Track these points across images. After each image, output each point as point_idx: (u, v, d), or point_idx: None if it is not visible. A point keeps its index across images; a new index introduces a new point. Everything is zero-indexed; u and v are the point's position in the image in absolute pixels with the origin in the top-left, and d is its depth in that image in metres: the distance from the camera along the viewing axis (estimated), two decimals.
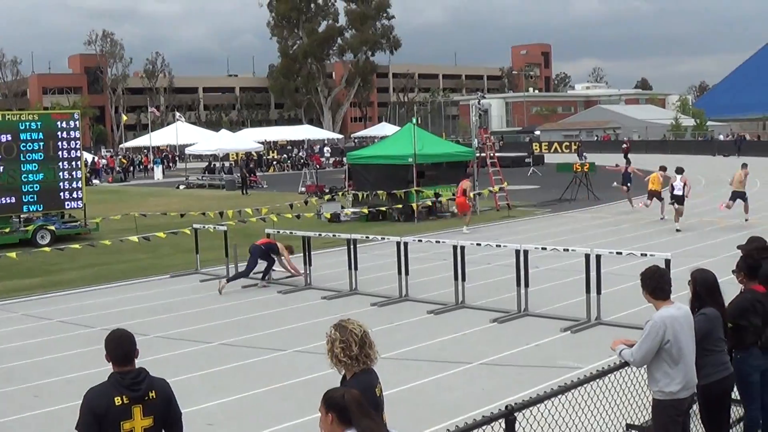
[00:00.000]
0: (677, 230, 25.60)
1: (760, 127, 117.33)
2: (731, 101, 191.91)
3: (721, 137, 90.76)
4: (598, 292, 14.15)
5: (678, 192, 26.23)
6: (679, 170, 26.97)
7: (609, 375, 6.66)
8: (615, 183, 34.56)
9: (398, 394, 10.50)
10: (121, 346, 5.65)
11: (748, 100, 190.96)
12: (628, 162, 41.03)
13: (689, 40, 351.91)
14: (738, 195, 27.20)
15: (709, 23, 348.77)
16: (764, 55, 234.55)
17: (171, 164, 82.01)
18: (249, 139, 74.20)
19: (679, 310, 6.96)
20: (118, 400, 5.46)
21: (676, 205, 26.19)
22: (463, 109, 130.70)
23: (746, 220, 26.92)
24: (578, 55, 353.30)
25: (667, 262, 12.82)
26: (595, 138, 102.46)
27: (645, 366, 6.95)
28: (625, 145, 71.34)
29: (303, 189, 45.89)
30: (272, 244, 19.18)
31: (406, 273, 16.94)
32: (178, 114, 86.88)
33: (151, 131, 77.96)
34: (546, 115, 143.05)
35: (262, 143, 78.41)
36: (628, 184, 32.80)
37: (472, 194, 30.66)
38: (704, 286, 7.48)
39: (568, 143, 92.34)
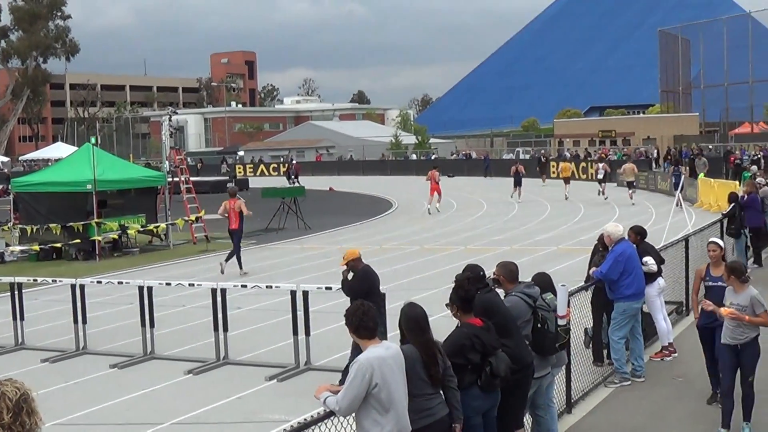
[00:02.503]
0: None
1: (487, 144, 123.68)
2: (456, 116, 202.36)
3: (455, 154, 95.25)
4: (307, 333, 14.42)
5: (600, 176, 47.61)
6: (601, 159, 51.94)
7: (312, 427, 6.75)
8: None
9: None
10: None
11: (474, 114, 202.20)
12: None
13: (410, 49, 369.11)
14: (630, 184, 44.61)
15: (431, 30, 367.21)
16: (489, 66, 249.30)
17: None
18: None
19: (387, 350, 7.19)
20: None
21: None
22: (155, 127, 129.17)
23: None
24: (287, 65, 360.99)
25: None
26: (287, 159, 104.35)
27: (353, 414, 7.11)
28: (294, 162, 74.34)
29: None
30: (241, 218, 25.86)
31: (84, 321, 16.51)
32: None
33: None
34: (251, 132, 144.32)
35: None
36: None
37: (163, 225, 30.45)
38: (406, 322, 7.76)
39: (276, 165, 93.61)
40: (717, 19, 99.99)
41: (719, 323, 11.03)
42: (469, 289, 8.63)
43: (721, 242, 12.85)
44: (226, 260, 25.36)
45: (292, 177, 54.36)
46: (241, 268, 25.26)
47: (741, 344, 10.58)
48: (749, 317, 10.50)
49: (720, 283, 11.55)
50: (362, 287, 13.32)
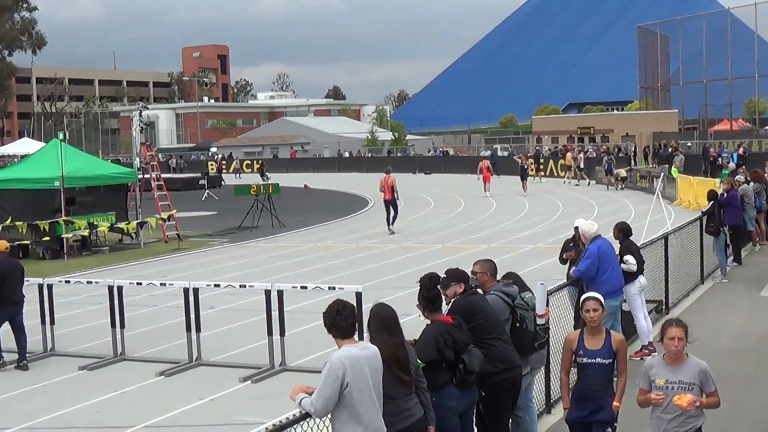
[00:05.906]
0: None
1: (465, 141, 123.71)
2: (433, 112, 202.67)
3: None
4: (282, 333, 14.35)
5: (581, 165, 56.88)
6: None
7: (287, 429, 6.71)
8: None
9: None
10: None
11: (451, 111, 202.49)
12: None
13: (386, 43, 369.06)
14: None
15: (406, 24, 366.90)
16: (466, 62, 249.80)
17: None
18: None
19: (364, 350, 7.20)
20: None
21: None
22: (125, 122, 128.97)
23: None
24: (261, 59, 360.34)
25: (359, 295, 13.18)
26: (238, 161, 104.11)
27: (329, 416, 7.09)
28: (219, 157, 76.93)
29: None
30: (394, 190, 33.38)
31: (52, 322, 16.43)
32: None
33: None
34: (224, 128, 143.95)
35: None
36: None
37: (134, 223, 30.36)
38: (374, 322, 7.76)
39: (249, 161, 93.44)
40: (696, 15, 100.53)
41: (600, 418, 8.68)
42: (432, 288, 8.69)
43: (601, 298, 8.88)
44: (392, 224, 33.69)
45: (267, 175, 54.35)
46: (390, 227, 33.71)
47: None
48: (704, 400, 7.89)
49: (599, 360, 8.66)
50: None
